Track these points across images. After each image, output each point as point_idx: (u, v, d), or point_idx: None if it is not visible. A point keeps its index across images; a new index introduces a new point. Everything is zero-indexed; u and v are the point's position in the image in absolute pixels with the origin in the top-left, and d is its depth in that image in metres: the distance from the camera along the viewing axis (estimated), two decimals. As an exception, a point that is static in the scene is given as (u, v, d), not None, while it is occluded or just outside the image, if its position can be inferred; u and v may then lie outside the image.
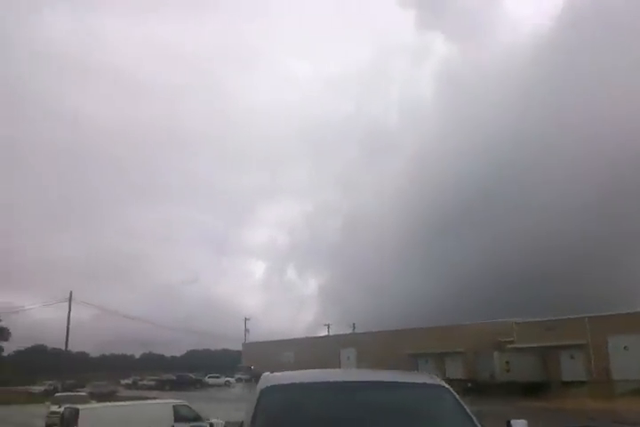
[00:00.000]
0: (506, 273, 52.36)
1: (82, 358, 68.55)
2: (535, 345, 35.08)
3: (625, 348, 32.47)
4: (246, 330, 63.64)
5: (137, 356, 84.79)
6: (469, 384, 34.48)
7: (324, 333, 56.67)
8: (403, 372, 4.24)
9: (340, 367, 45.51)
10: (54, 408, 19.02)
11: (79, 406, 11.73)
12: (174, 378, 49.28)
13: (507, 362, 33.66)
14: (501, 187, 57.12)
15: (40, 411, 21.47)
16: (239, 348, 64.83)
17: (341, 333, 52.66)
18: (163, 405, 12.66)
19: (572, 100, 55.07)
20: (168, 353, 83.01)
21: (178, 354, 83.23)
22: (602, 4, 55.82)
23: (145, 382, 50.05)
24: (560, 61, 56.15)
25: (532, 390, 31.11)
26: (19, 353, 66.87)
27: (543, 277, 49.50)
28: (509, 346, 36.15)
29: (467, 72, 71.65)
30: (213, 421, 7.89)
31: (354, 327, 53.61)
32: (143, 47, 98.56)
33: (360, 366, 45.33)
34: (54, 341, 59.83)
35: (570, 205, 52.77)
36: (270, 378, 3.63)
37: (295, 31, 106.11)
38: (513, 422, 3.53)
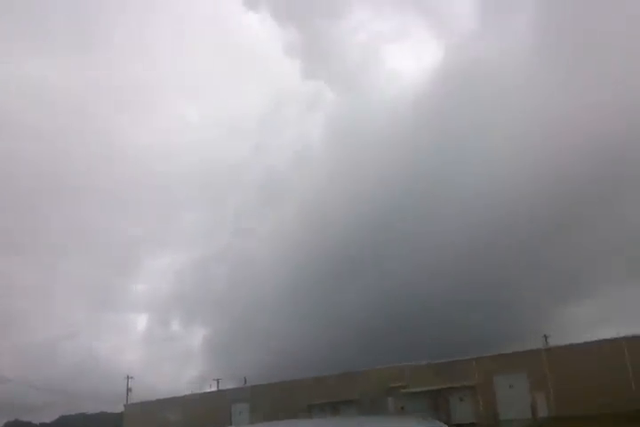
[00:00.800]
0: (395, 319, 53.59)
1: None
2: (427, 389, 35.62)
3: (510, 386, 33.87)
4: (128, 389, 59.23)
5: (-1, 425, 75.87)
6: None
7: (213, 388, 54.09)
8: (384, 417, 3.80)
9: (231, 424, 43.44)
10: None
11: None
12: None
13: (402, 407, 33.85)
14: (389, 233, 59.26)
15: None
16: (120, 410, 60.06)
17: (232, 387, 50.51)
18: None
19: (452, 144, 59.09)
20: (37, 419, 75.12)
21: (48, 420, 75.52)
22: (478, 57, 60.97)
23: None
24: (439, 109, 60.33)
25: None
26: None
27: (430, 322, 51.14)
28: (403, 391, 36.46)
29: (352, 120, 74.59)
30: None
31: (245, 381, 51.70)
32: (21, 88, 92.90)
33: (253, 422, 43.58)
34: None
35: (456, 251, 55.67)
36: None
37: (188, 75, 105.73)
38: None
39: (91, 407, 71.25)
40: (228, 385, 51.80)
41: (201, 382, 66.96)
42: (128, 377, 59.44)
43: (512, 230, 54.45)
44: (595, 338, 32.38)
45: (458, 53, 67.37)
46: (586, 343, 32.20)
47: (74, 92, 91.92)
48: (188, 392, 53.78)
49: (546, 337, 37.51)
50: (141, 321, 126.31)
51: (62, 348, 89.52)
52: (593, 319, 54.65)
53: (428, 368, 37.32)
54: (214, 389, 53.54)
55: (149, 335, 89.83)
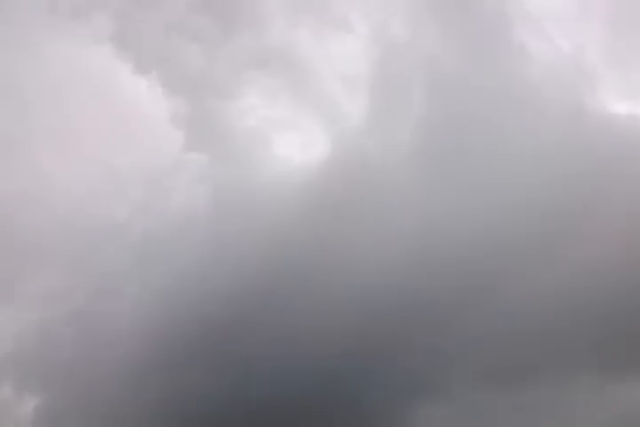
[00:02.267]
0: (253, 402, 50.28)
1: None
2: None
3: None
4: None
5: None
6: None
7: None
8: None
9: None
10: None
11: None
12: None
13: None
14: (266, 311, 57.05)
15: None
16: None
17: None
18: None
19: (331, 232, 59.46)
20: None
21: None
22: (363, 152, 63.23)
23: None
24: (324, 196, 60.94)
25: None
26: None
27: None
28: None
29: (239, 195, 73.53)
30: None
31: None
32: None
33: None
34: None
35: (324, 336, 54.44)
36: None
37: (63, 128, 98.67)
38: None
39: None
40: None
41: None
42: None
43: (378, 325, 54.61)
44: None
45: (344, 147, 69.74)
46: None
47: None
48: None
49: None
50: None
51: None
52: (448, 421, 55.01)
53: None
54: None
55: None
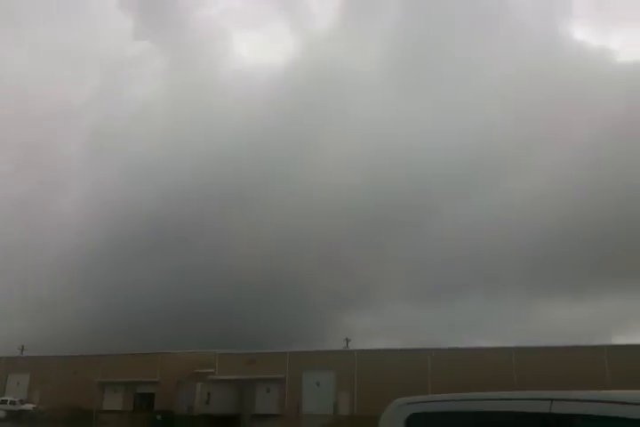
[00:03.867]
0: (200, 305, 52.61)
1: None
2: (235, 377, 35.17)
3: (317, 383, 34.84)
4: None
5: None
6: (158, 417, 32.56)
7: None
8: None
9: (4, 394, 38.49)
10: None
11: None
12: None
13: (208, 393, 32.90)
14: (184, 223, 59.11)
15: None
16: None
17: (6, 356, 44.71)
18: None
19: (300, 127, 60.11)
20: None
21: None
22: (334, 56, 62.06)
23: None
24: (294, 96, 60.57)
25: (226, 423, 30.96)
26: None
27: (227, 312, 51.41)
28: (210, 377, 35.54)
29: (199, 86, 71.59)
30: None
31: (22, 350, 46.27)
32: None
33: (33, 394, 39.04)
34: None
35: (269, 245, 56.61)
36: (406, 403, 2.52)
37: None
38: None
39: None
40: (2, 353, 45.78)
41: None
42: None
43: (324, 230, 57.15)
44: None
45: (312, 49, 68.49)
46: (392, 350, 34.52)
47: None
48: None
49: (347, 340, 39.47)
50: None
51: None
52: (371, 329, 59.34)
53: (239, 357, 36.91)
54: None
55: None
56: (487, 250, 58.49)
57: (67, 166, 73.79)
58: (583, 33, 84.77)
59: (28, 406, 36.21)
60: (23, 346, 46.03)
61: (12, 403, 35.85)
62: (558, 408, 1.94)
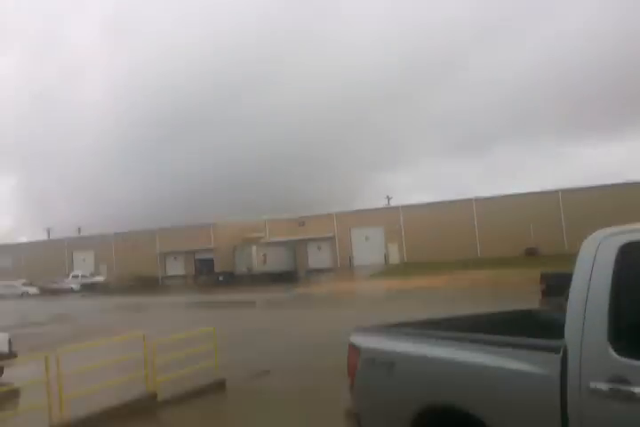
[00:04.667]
0: (241, 176, 53.90)
1: None
2: (285, 239, 36.81)
3: (366, 238, 36.28)
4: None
5: None
6: (221, 277, 34.88)
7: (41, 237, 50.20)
8: None
9: (72, 270, 41.20)
10: None
11: None
12: None
13: (264, 255, 34.67)
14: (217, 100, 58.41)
15: None
16: None
17: (68, 236, 47.21)
18: None
19: None
20: None
21: None
22: None
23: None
24: None
25: (284, 278, 32.92)
26: None
27: (268, 182, 52.89)
28: (261, 241, 37.23)
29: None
30: None
31: (79, 231, 48.73)
32: None
33: (99, 269, 41.87)
34: None
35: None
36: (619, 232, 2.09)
37: None
38: None
39: None
40: (61, 234, 48.39)
41: (28, 231, 63.53)
42: None
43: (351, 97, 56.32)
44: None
45: None
46: (438, 202, 35.18)
47: None
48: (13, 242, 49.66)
49: (388, 198, 40.25)
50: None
51: None
52: (408, 186, 60.20)
53: (285, 222, 38.34)
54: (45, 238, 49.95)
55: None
56: (515, 99, 57.26)
57: (85, 55, 72.11)
58: None
59: (99, 278, 39.01)
60: (80, 227, 48.51)
61: (84, 277, 38.55)
62: None
